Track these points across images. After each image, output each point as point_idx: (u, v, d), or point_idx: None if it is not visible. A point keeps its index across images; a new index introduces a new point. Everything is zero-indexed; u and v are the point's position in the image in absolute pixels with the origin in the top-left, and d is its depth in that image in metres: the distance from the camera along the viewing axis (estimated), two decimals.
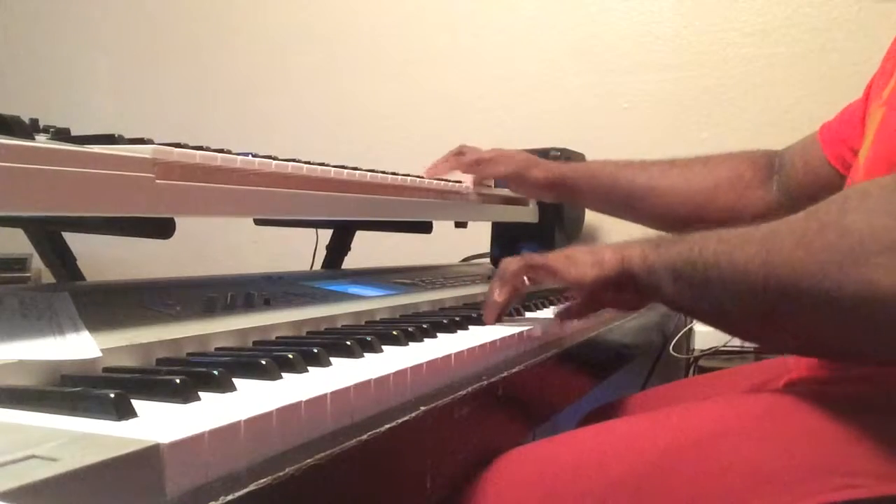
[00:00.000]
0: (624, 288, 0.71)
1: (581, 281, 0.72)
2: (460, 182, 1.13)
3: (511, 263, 0.76)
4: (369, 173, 0.84)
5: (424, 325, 0.66)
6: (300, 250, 1.36)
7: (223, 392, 0.42)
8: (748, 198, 1.01)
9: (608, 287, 0.71)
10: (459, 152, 1.18)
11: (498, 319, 0.75)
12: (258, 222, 1.28)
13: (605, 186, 1.11)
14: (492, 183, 1.23)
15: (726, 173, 1.03)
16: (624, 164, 1.11)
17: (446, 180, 1.10)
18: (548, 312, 0.89)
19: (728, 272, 0.58)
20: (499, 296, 0.75)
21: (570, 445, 0.65)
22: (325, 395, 0.42)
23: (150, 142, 0.58)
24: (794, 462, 0.54)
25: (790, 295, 0.53)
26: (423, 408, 0.48)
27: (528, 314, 0.86)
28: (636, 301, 0.76)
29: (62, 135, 0.61)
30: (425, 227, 1.20)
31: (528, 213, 1.33)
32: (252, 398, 0.41)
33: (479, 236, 1.51)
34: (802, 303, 0.53)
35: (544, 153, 1.34)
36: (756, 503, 0.53)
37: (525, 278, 0.76)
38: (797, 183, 0.96)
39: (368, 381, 0.46)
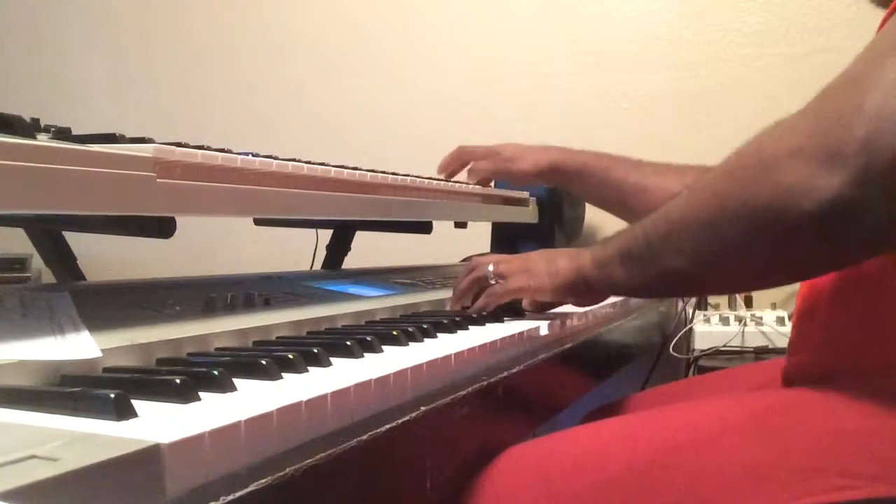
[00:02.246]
0: (580, 292, 0.76)
1: (540, 292, 0.78)
2: (460, 182, 1.13)
3: (471, 291, 0.82)
4: (369, 173, 0.84)
5: (424, 325, 0.66)
6: (300, 250, 1.36)
7: (223, 392, 0.42)
8: None
9: (565, 294, 0.77)
10: (458, 155, 1.18)
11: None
12: (258, 222, 1.28)
13: (596, 179, 1.11)
14: (492, 182, 1.23)
15: None
16: (620, 159, 1.11)
17: (446, 180, 1.10)
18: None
19: (665, 229, 0.62)
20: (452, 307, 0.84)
21: (569, 443, 0.65)
22: (326, 395, 0.42)
23: (151, 141, 0.58)
24: (792, 462, 0.54)
25: (717, 224, 0.57)
26: (423, 408, 0.48)
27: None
28: (594, 301, 0.82)
29: (63, 134, 0.61)
30: (425, 227, 1.20)
31: (528, 214, 1.33)
32: (252, 398, 0.41)
33: (479, 236, 1.51)
34: (730, 228, 0.56)
35: None
36: (755, 502, 0.53)
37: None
38: None
39: (369, 382, 0.46)
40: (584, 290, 0.75)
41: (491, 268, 0.81)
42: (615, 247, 0.69)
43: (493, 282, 0.80)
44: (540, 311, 0.84)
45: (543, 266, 0.77)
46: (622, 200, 1.10)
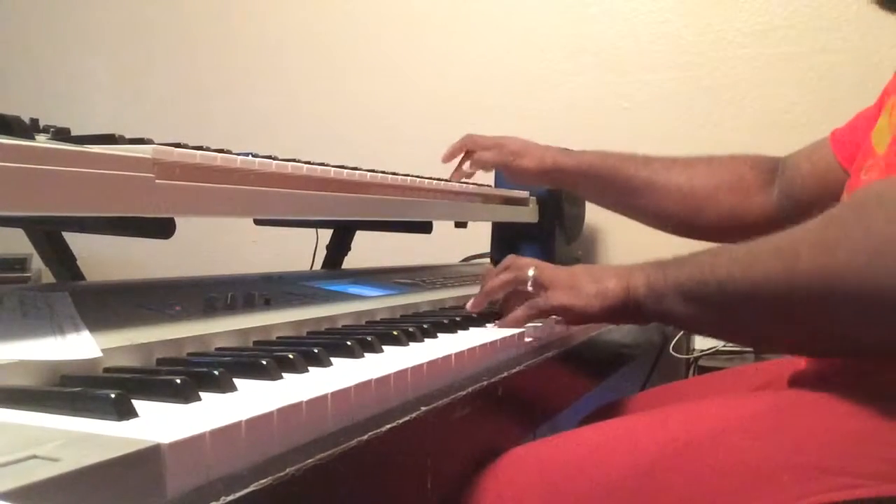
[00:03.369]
0: (629, 315, 0.72)
1: (586, 313, 0.73)
2: (460, 182, 1.13)
3: (504, 291, 0.78)
4: (369, 173, 0.84)
5: (425, 325, 0.66)
6: (300, 250, 1.36)
7: (224, 392, 0.42)
8: (749, 201, 1.01)
9: (612, 316, 0.73)
10: (464, 144, 1.17)
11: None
12: (258, 222, 1.28)
13: (603, 179, 1.09)
14: (492, 182, 1.23)
15: (728, 175, 1.03)
16: (626, 156, 1.10)
17: (447, 180, 1.10)
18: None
19: (746, 287, 0.59)
20: (473, 308, 0.80)
21: (571, 444, 0.65)
22: (326, 395, 0.42)
23: (150, 142, 0.58)
24: (795, 461, 0.54)
25: (820, 300, 0.54)
26: (423, 408, 0.48)
27: None
28: (641, 324, 0.77)
29: (62, 135, 0.61)
30: (425, 227, 1.20)
31: (528, 213, 1.33)
32: (253, 398, 0.41)
33: (479, 236, 1.51)
34: (834, 306, 0.54)
35: None
36: (757, 502, 0.53)
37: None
38: (801, 186, 0.96)
39: (369, 382, 0.46)
40: (633, 313, 0.71)
41: (532, 272, 0.76)
42: (676, 281, 0.66)
43: (530, 288, 0.75)
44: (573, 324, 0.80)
45: (591, 285, 0.72)
46: (630, 199, 1.08)
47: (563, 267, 0.78)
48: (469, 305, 0.81)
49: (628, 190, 1.07)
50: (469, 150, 1.17)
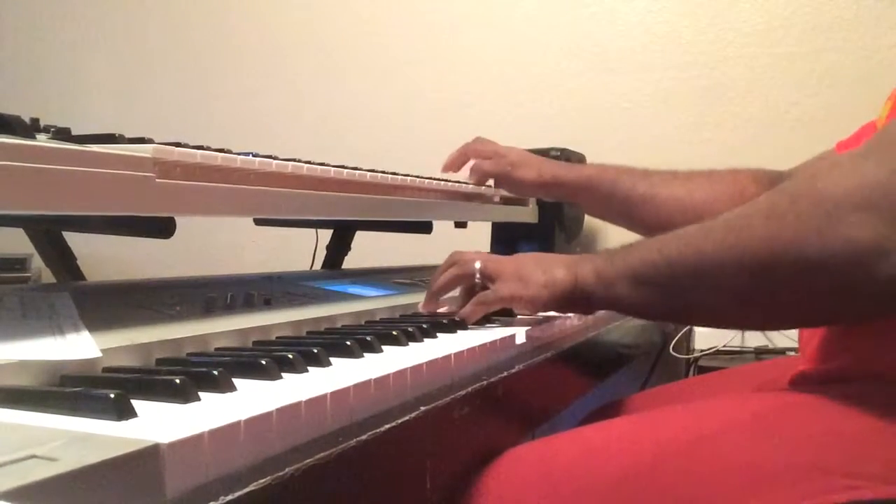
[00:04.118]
0: (577, 304, 0.72)
1: (534, 303, 0.73)
2: (460, 182, 1.13)
3: (451, 284, 0.78)
4: (369, 173, 0.84)
5: (424, 325, 0.66)
6: (300, 250, 1.36)
7: (223, 392, 0.42)
8: None
9: (561, 306, 0.73)
10: (463, 153, 1.17)
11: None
12: (258, 222, 1.28)
13: (603, 192, 1.08)
14: (491, 182, 1.23)
15: (728, 188, 1.02)
16: (625, 170, 1.09)
17: (447, 180, 1.10)
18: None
19: (697, 263, 0.59)
20: (425, 308, 0.79)
21: (571, 444, 0.65)
22: (325, 395, 0.42)
23: (150, 141, 0.58)
24: (795, 462, 0.54)
25: (770, 270, 0.54)
26: (423, 408, 0.48)
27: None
28: (587, 313, 0.78)
29: (63, 134, 0.61)
30: (425, 227, 1.20)
31: (527, 213, 1.33)
32: (252, 398, 0.41)
33: (479, 236, 1.51)
34: (784, 275, 0.53)
35: (544, 153, 1.34)
36: (757, 502, 0.53)
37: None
38: None
39: (368, 382, 0.46)
40: (581, 303, 0.71)
41: (478, 265, 0.75)
42: (626, 266, 0.66)
43: (477, 281, 0.75)
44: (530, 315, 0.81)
45: (539, 275, 0.72)
46: (629, 212, 1.08)
47: (509, 257, 0.77)
48: (421, 306, 0.80)
49: (628, 203, 1.07)
50: (468, 158, 1.16)
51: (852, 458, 0.53)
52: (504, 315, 0.80)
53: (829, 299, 0.54)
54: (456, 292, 0.81)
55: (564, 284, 0.70)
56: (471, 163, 1.15)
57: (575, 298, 0.71)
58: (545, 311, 0.75)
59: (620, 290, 0.66)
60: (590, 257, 0.71)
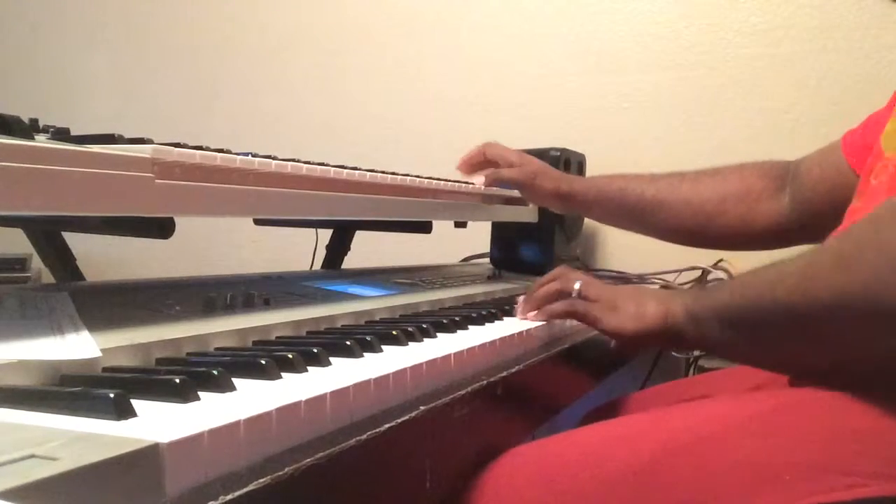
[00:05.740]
0: (668, 341, 0.73)
1: (619, 333, 0.75)
2: (460, 182, 1.13)
3: (550, 298, 0.80)
4: (369, 173, 0.84)
5: (424, 325, 0.66)
6: (300, 250, 1.36)
7: (223, 392, 0.42)
8: (758, 210, 1.01)
9: (647, 339, 0.74)
10: (483, 151, 1.17)
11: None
12: (258, 222, 1.28)
13: (613, 201, 1.11)
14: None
15: (736, 185, 1.03)
16: (632, 177, 1.11)
17: (447, 180, 1.10)
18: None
19: (772, 306, 0.60)
20: (525, 316, 0.81)
21: (571, 443, 0.65)
22: (325, 395, 0.42)
23: (149, 141, 0.58)
24: (796, 460, 0.54)
25: (837, 318, 0.54)
26: (423, 408, 0.48)
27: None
28: (685, 351, 0.78)
29: (62, 134, 0.61)
30: (425, 227, 1.20)
31: (528, 213, 1.33)
32: (252, 398, 0.41)
33: (479, 236, 1.51)
34: (850, 324, 0.54)
35: (544, 153, 1.34)
36: (758, 501, 0.53)
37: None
38: (812, 191, 0.96)
39: (368, 381, 0.46)
40: (674, 339, 0.72)
41: (578, 286, 0.79)
42: (712, 305, 0.67)
43: (576, 298, 0.78)
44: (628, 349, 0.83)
45: (631, 306, 0.74)
46: (641, 218, 1.10)
47: (610, 285, 0.80)
48: (518, 312, 0.82)
49: (638, 210, 1.09)
50: (488, 160, 1.17)
51: (853, 456, 0.53)
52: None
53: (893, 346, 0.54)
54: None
55: (655, 319, 0.72)
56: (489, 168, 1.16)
57: (666, 335, 0.72)
58: (631, 342, 0.76)
59: (707, 329, 0.67)
60: (682, 293, 0.73)
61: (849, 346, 0.57)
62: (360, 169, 0.84)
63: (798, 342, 0.61)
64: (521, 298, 0.84)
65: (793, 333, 0.60)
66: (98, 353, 0.46)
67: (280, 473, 0.35)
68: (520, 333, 0.72)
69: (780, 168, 1.03)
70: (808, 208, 0.96)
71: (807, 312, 0.57)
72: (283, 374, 0.47)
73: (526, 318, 0.80)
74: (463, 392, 0.54)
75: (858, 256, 0.53)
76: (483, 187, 1.16)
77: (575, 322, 0.86)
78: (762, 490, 0.53)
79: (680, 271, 1.40)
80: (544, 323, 0.79)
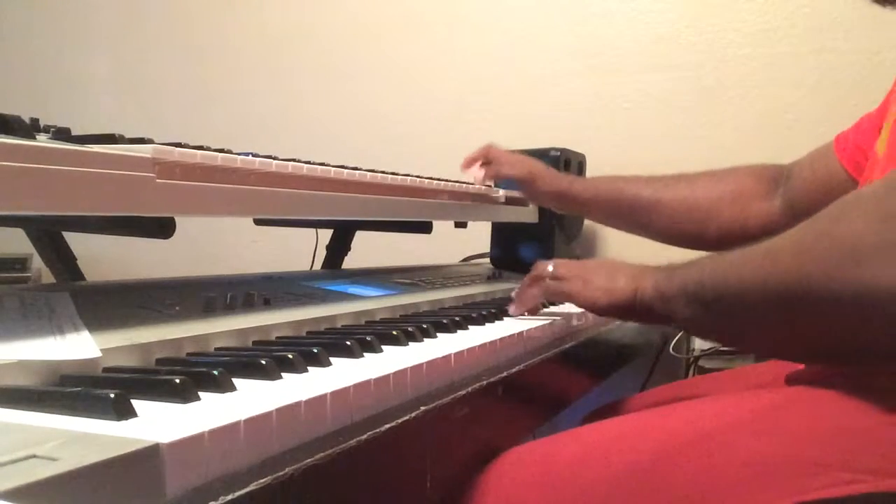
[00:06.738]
0: (636, 315, 0.74)
1: (592, 306, 0.77)
2: (460, 182, 1.13)
3: (529, 289, 0.83)
4: (369, 173, 0.84)
5: (424, 325, 0.66)
6: (300, 250, 1.36)
7: (223, 392, 0.42)
8: (751, 210, 1.02)
9: (618, 313, 0.76)
10: (486, 152, 1.19)
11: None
12: (258, 222, 1.28)
13: (610, 202, 1.12)
14: (491, 183, 1.23)
15: (730, 187, 1.04)
16: (631, 178, 1.12)
17: (447, 180, 1.10)
18: (550, 310, 0.89)
19: (738, 287, 0.60)
20: (514, 312, 0.83)
21: (572, 442, 0.65)
22: (325, 395, 0.42)
23: (150, 141, 0.58)
24: (794, 457, 0.54)
25: (795, 302, 0.55)
26: (423, 408, 0.48)
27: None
28: (650, 324, 0.81)
29: (63, 134, 0.61)
30: (425, 227, 1.20)
31: (527, 214, 1.33)
32: (252, 398, 0.41)
33: (479, 236, 1.51)
34: (808, 308, 0.54)
35: (544, 153, 1.34)
36: (759, 498, 0.53)
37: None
38: (804, 193, 0.96)
39: (368, 381, 0.46)
40: (643, 314, 0.73)
41: (550, 267, 0.81)
42: (681, 282, 0.68)
43: (549, 280, 0.81)
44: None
45: (602, 280, 0.76)
46: (637, 219, 1.11)
47: (581, 261, 0.83)
48: (511, 311, 0.84)
49: (634, 210, 1.10)
50: (488, 161, 1.18)
51: (852, 452, 0.53)
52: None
53: (849, 335, 0.54)
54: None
55: (624, 293, 0.74)
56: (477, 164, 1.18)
57: (634, 309, 0.73)
58: (604, 314, 0.78)
59: (675, 306, 0.68)
60: (653, 269, 0.73)
61: (809, 336, 0.58)
62: (360, 169, 0.84)
63: (761, 323, 0.61)
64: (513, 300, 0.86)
65: (756, 314, 0.60)
66: (98, 354, 0.46)
67: (280, 473, 0.35)
68: (520, 333, 0.72)
69: (773, 170, 1.04)
70: (800, 209, 0.96)
71: (767, 295, 0.57)
72: (283, 375, 0.47)
73: (514, 316, 0.83)
74: (463, 392, 0.54)
75: (815, 245, 0.54)
76: (482, 184, 1.16)
77: (575, 322, 0.86)
78: (764, 486, 0.53)
79: None
80: (544, 323, 0.79)
